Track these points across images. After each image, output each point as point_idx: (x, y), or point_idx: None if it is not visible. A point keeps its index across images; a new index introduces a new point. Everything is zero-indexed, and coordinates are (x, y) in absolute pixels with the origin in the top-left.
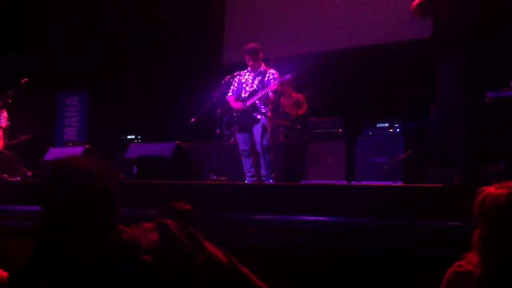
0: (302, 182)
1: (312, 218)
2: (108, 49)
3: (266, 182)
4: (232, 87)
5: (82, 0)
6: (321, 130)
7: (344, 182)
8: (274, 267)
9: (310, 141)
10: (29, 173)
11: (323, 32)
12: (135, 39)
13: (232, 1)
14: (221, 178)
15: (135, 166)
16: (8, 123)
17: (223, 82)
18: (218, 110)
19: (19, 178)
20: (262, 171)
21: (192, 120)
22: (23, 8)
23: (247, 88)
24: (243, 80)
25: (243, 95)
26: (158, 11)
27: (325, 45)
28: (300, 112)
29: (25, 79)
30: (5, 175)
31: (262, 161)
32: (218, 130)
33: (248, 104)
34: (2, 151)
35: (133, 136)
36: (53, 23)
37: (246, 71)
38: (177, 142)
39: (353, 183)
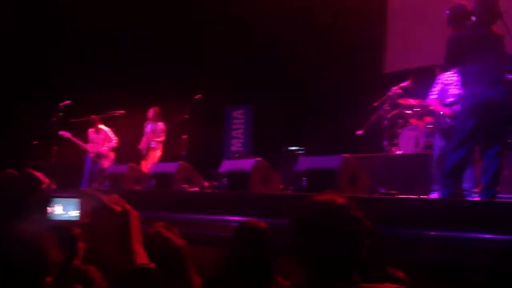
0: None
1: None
2: (269, 65)
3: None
4: (434, 89)
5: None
6: None
7: None
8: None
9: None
10: (205, 184)
11: None
12: (292, 54)
13: (394, 9)
14: (391, 191)
15: (304, 179)
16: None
17: (391, 93)
18: (386, 122)
19: (197, 189)
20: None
21: (360, 132)
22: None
23: (453, 90)
24: (449, 82)
25: (448, 100)
26: (317, 23)
27: None
28: None
29: (199, 95)
30: (185, 186)
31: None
32: (385, 142)
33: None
34: (183, 164)
35: (296, 148)
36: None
37: (451, 71)
38: (344, 155)
39: None
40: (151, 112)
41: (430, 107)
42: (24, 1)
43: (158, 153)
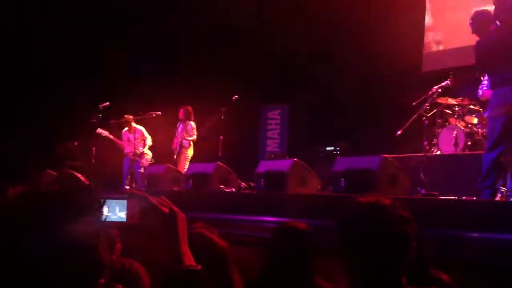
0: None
1: None
2: (304, 65)
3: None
4: (484, 82)
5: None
6: None
7: None
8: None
9: None
10: (242, 185)
11: None
12: (329, 54)
13: (432, 7)
14: (432, 192)
15: (342, 179)
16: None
17: (430, 93)
18: (426, 122)
19: (234, 189)
20: None
21: (399, 132)
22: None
23: None
24: None
25: None
26: (355, 22)
27: None
28: None
29: (236, 96)
30: (221, 186)
31: None
32: (425, 142)
33: None
34: (220, 165)
35: (332, 148)
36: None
37: None
38: (384, 155)
39: None
40: (181, 112)
41: (483, 100)
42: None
43: (190, 152)
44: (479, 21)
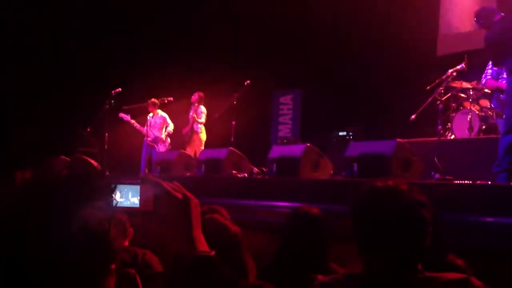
0: None
1: None
2: (316, 49)
3: None
4: (487, 71)
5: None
6: None
7: None
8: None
9: None
10: (255, 170)
11: None
12: (343, 38)
13: None
14: (446, 177)
15: (355, 164)
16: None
17: (445, 76)
18: (440, 106)
19: (246, 175)
20: None
21: (413, 117)
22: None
23: None
24: None
25: (504, 75)
26: (369, 6)
27: None
28: None
29: (248, 81)
30: (234, 172)
31: None
32: (440, 126)
33: None
34: (232, 150)
35: (345, 133)
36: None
37: None
38: (398, 140)
39: None
40: (195, 96)
41: (487, 89)
42: None
43: (202, 137)
44: (483, 17)
